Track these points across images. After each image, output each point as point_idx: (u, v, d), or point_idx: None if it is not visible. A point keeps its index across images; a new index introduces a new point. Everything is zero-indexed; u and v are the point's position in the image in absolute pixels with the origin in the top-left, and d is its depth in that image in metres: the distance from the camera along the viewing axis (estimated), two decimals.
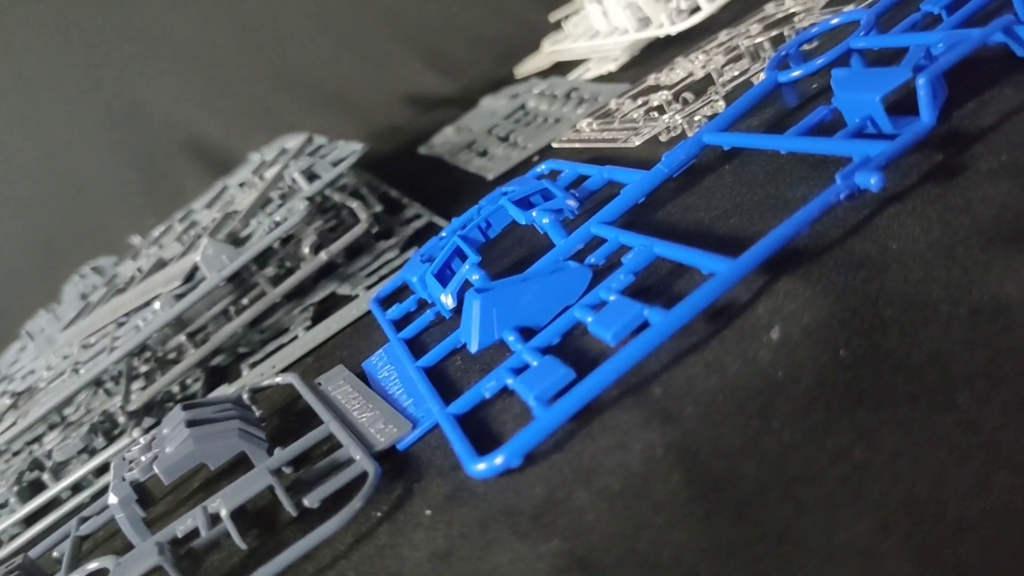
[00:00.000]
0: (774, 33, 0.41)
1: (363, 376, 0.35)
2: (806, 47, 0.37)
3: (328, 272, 0.52)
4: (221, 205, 0.55)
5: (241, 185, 0.59)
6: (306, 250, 0.48)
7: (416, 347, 0.35)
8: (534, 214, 0.34)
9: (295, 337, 0.46)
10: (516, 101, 0.67)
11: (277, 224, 0.45)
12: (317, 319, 0.47)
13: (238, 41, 0.93)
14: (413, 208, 0.56)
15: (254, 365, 0.46)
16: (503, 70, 0.87)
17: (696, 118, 0.38)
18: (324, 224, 0.51)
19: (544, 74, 0.71)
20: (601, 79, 0.59)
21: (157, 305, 0.43)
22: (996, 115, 0.24)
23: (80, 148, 0.92)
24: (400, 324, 0.38)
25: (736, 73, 0.39)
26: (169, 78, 0.93)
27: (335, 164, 0.50)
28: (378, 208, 0.55)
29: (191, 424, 0.32)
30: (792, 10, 0.43)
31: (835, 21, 0.35)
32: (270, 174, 0.51)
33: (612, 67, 0.58)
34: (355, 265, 0.51)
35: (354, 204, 0.48)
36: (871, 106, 0.26)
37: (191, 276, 0.45)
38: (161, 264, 0.51)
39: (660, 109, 0.40)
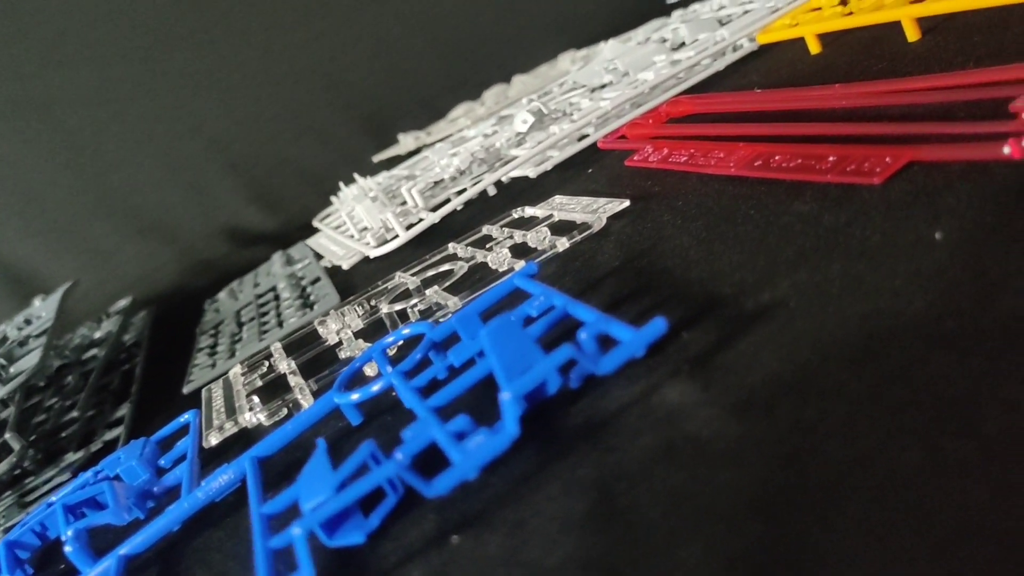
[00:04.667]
0: (413, 302, 0.39)
1: None
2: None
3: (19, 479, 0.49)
4: None
5: None
6: None
7: None
8: (69, 533, 0.32)
9: None
10: (283, 272, 0.65)
11: None
12: None
13: (58, 162, 0.91)
14: (123, 409, 0.53)
15: None
16: (326, 205, 0.86)
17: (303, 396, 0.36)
18: None
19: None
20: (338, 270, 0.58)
21: None
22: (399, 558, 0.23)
23: None
24: None
25: (346, 356, 0.37)
26: None
27: (7, 380, 0.48)
28: (73, 415, 0.52)
29: None
30: (445, 268, 0.42)
31: (406, 331, 0.34)
32: None
33: (345, 265, 0.56)
34: (41, 477, 0.49)
35: (8, 435, 0.45)
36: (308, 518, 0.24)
37: None
38: None
39: (284, 380, 0.38)
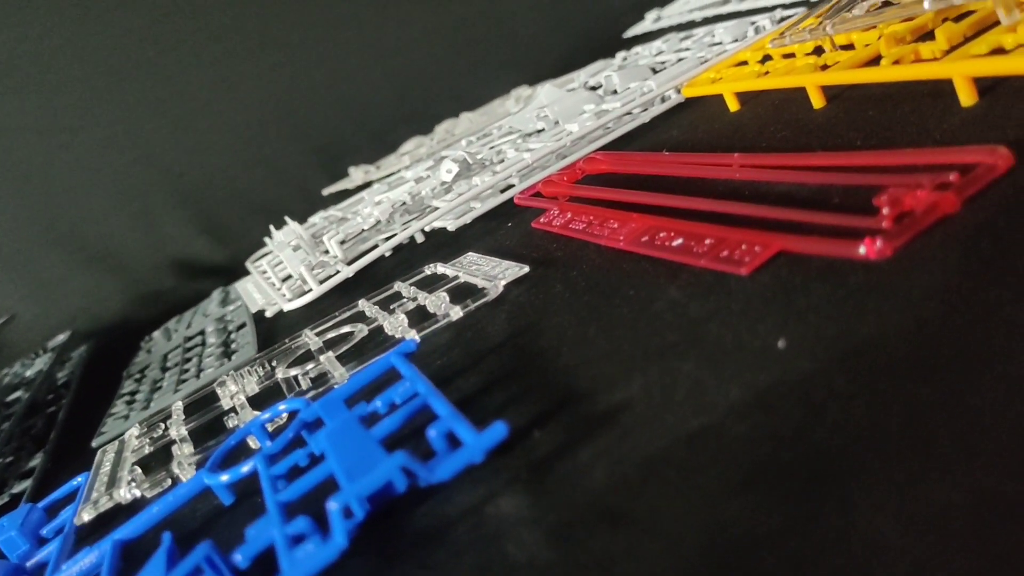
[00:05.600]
0: (308, 367, 0.38)
1: None
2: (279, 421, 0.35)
3: None
4: None
5: None
6: None
7: None
8: None
9: None
10: (216, 312, 0.64)
11: None
12: None
13: (4, 190, 0.90)
14: (36, 459, 0.52)
15: None
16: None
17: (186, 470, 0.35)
18: None
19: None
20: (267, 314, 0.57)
21: None
22: None
23: None
24: None
25: (233, 425, 0.36)
26: None
27: None
28: None
29: None
30: (346, 330, 0.41)
31: (282, 407, 0.33)
32: None
33: (268, 313, 0.55)
34: None
35: None
36: None
37: None
38: None
39: (167, 452, 0.37)
